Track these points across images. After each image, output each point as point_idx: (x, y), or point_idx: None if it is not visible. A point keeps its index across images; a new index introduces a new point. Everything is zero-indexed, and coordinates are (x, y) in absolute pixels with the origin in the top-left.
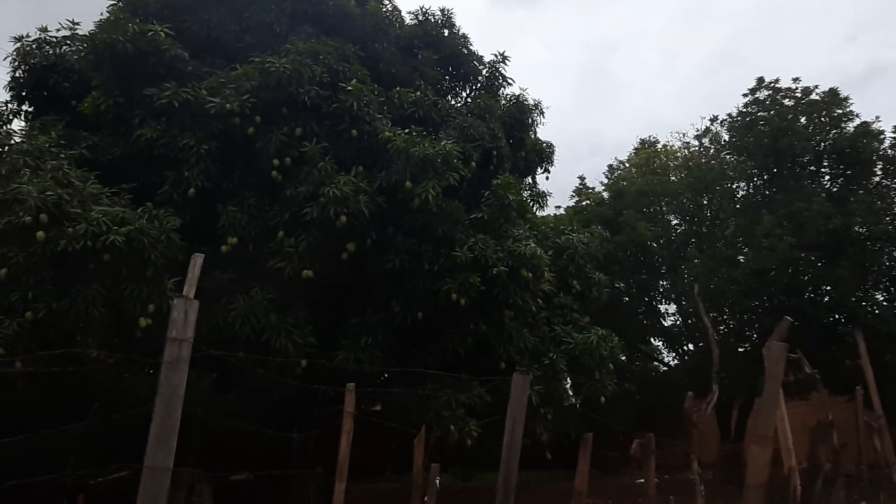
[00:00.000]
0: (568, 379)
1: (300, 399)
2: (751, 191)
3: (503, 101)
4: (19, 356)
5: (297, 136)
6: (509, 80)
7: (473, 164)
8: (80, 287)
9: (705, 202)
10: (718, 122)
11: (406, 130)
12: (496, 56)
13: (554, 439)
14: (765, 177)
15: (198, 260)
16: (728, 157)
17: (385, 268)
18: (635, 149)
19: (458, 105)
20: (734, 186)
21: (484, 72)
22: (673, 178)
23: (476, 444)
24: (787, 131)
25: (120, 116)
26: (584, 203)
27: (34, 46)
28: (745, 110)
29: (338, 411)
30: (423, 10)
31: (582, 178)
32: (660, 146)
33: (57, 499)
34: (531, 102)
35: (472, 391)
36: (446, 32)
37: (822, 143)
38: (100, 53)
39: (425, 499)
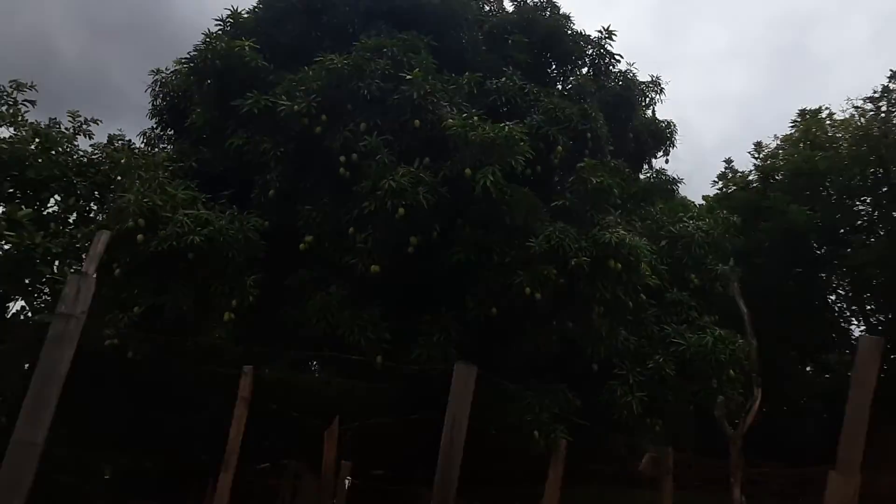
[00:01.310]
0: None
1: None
2: None
3: (610, 80)
4: (131, 346)
5: (361, 130)
6: (617, 57)
7: (559, 147)
8: (173, 284)
9: (879, 175)
10: None
11: (464, 115)
12: (601, 32)
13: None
14: None
15: (102, 237)
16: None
17: (452, 261)
18: (793, 122)
19: (552, 88)
20: None
21: (589, 50)
22: (843, 151)
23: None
24: None
25: (217, 129)
26: (730, 189)
27: (171, 76)
28: None
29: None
30: None
31: (729, 161)
32: (824, 115)
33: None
34: (647, 79)
35: (560, 395)
36: (547, 14)
37: None
38: (198, 72)
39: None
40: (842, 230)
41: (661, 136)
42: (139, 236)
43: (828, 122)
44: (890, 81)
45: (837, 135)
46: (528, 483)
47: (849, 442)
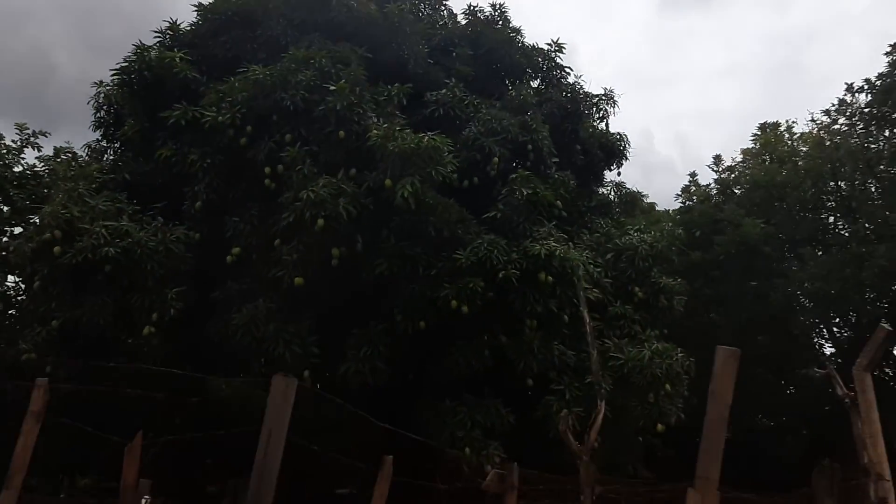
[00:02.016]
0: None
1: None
2: (890, 170)
3: (558, 93)
4: (50, 360)
5: (286, 142)
6: (567, 70)
7: (496, 159)
8: (91, 297)
9: (831, 188)
10: (855, 90)
11: (385, 126)
12: (551, 46)
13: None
14: None
15: None
16: (865, 130)
17: (375, 273)
18: (754, 135)
19: (495, 100)
20: (871, 168)
21: (542, 63)
22: (801, 163)
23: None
24: None
25: (148, 140)
26: (690, 202)
27: (114, 88)
28: (888, 70)
29: None
30: (472, 7)
31: (693, 175)
32: (782, 128)
33: None
34: (599, 92)
35: (492, 410)
36: (498, 26)
37: None
38: (129, 84)
39: None
40: (794, 244)
41: (613, 149)
42: (56, 248)
43: (786, 135)
44: (846, 94)
45: (798, 148)
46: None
47: (706, 458)
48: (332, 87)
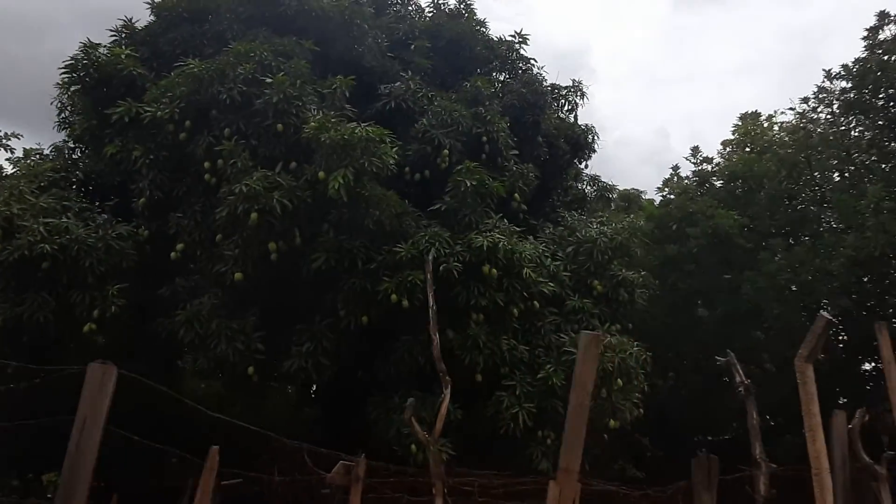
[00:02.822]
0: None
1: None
2: (864, 158)
3: (519, 85)
4: None
5: (225, 136)
6: (532, 61)
7: (445, 151)
8: (31, 294)
9: (807, 178)
10: (833, 76)
11: (319, 117)
12: (514, 37)
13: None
14: (885, 143)
15: None
16: (843, 118)
17: (312, 267)
18: (734, 125)
19: (450, 92)
20: (847, 155)
21: (507, 54)
22: (780, 153)
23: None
24: None
25: (96, 137)
26: (670, 195)
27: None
28: (864, 55)
29: None
30: (437, 1)
31: (676, 168)
32: (763, 118)
33: None
34: (569, 84)
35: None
36: (464, 19)
37: None
38: (77, 81)
39: None
40: (769, 236)
41: (579, 141)
42: None
43: (765, 124)
44: (825, 81)
45: (777, 137)
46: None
47: (568, 448)
48: (269, 80)
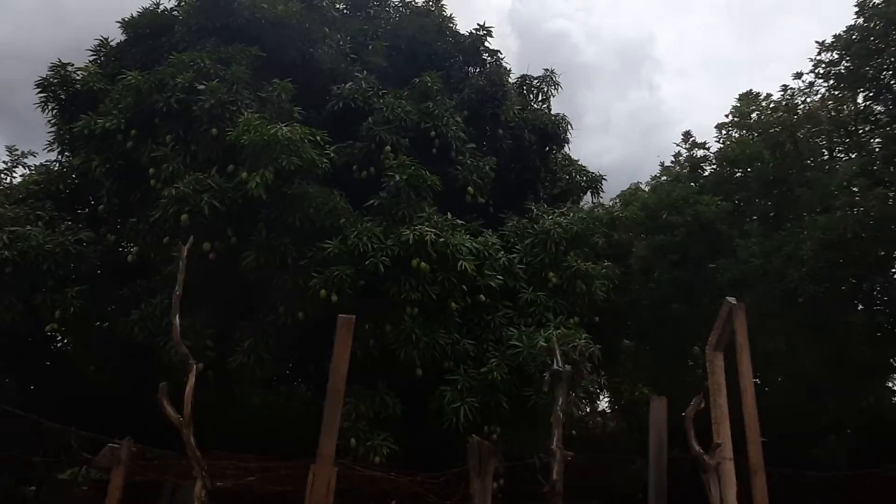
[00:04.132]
0: None
1: None
2: (855, 132)
3: (480, 78)
4: None
5: (167, 142)
6: (498, 53)
7: (388, 147)
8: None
9: (793, 158)
10: (825, 47)
11: (241, 119)
12: (476, 31)
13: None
14: (876, 116)
15: None
16: (836, 92)
17: (243, 265)
18: (732, 107)
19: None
20: (838, 130)
21: (475, 47)
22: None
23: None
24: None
25: (68, 150)
26: (663, 180)
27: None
28: (858, 23)
29: None
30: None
31: (677, 156)
32: (762, 97)
33: None
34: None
35: (377, 400)
36: (429, 17)
37: None
38: (53, 99)
39: None
40: (756, 221)
41: (547, 131)
42: None
43: (762, 104)
44: (819, 53)
45: (767, 118)
46: None
47: (324, 433)
48: (201, 87)
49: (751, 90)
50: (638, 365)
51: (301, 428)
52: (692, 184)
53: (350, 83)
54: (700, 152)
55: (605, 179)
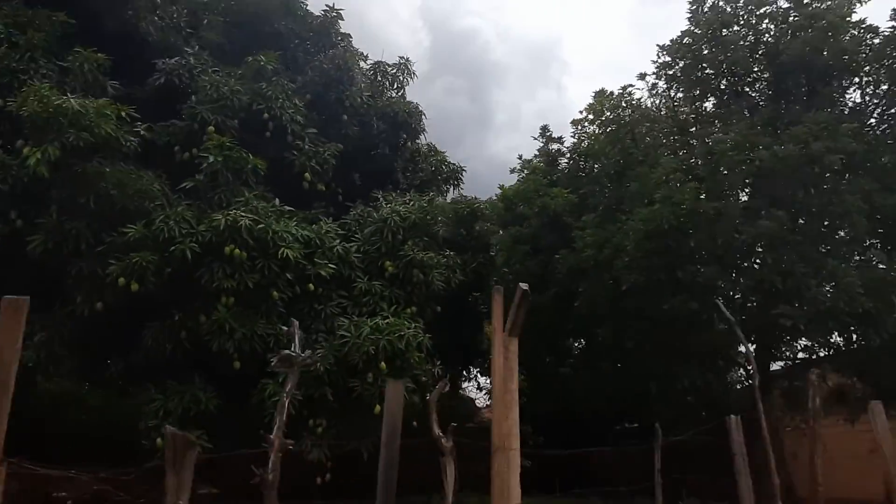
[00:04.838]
0: None
1: None
2: (678, 134)
3: (326, 62)
4: None
5: None
6: (348, 37)
7: (211, 128)
8: None
9: (631, 155)
10: (664, 49)
11: (24, 90)
12: (327, 12)
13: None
14: (700, 117)
15: None
16: (673, 92)
17: (29, 250)
18: (588, 105)
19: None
20: (675, 130)
21: (318, 29)
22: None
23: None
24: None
25: None
26: (524, 176)
27: None
28: (687, 30)
29: None
30: None
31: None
32: (616, 93)
33: None
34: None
35: (187, 395)
36: None
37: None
38: None
39: None
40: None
41: (397, 120)
42: None
43: (612, 100)
44: (659, 55)
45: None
46: None
47: None
48: None
49: (604, 88)
50: None
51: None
52: (548, 177)
53: (176, 58)
54: (555, 146)
55: (465, 171)
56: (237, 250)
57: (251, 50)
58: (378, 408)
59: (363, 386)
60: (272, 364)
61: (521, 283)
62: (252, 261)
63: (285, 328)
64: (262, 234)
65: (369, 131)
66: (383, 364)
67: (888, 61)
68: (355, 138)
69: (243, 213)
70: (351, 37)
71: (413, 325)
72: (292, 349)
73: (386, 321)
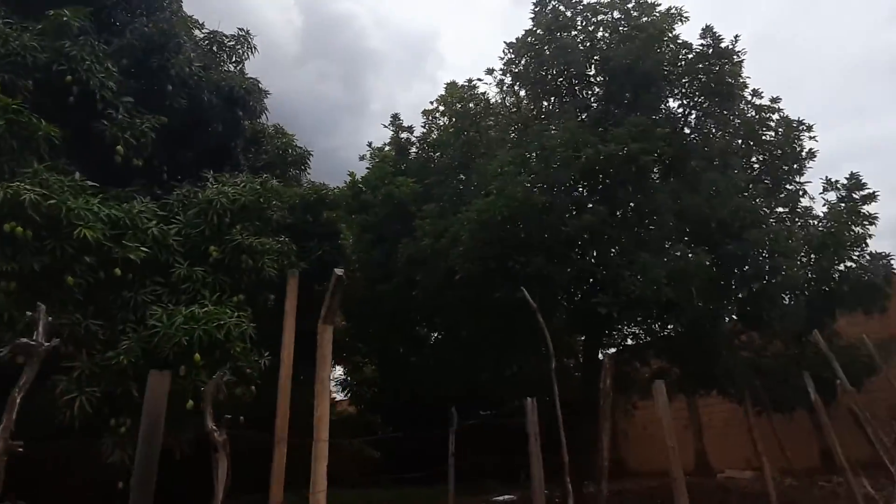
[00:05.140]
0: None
1: None
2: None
3: (149, 23)
4: None
5: None
6: (179, 1)
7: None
8: None
9: (475, 149)
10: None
11: None
12: None
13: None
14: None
15: None
16: (511, 88)
17: None
18: (440, 96)
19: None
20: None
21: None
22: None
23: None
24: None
25: None
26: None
27: None
28: (530, 29)
29: None
30: None
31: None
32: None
33: None
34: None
35: None
36: None
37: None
38: None
39: None
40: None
41: (233, 96)
42: None
43: (459, 93)
44: (506, 53)
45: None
46: None
47: None
48: None
49: (455, 81)
50: (354, 346)
51: None
52: (397, 166)
53: None
54: (405, 136)
55: (311, 155)
56: (19, 228)
57: (56, 4)
58: (191, 402)
59: (174, 380)
60: (3, 356)
61: (336, 269)
62: (40, 240)
63: (79, 317)
64: (53, 212)
65: (200, 105)
66: (198, 356)
67: (700, 75)
68: (184, 112)
69: (28, 187)
70: (181, 0)
71: (237, 313)
72: (34, 337)
73: (204, 310)
